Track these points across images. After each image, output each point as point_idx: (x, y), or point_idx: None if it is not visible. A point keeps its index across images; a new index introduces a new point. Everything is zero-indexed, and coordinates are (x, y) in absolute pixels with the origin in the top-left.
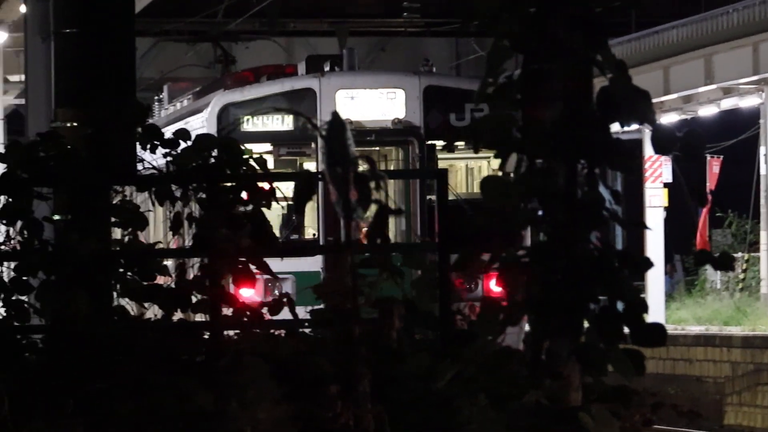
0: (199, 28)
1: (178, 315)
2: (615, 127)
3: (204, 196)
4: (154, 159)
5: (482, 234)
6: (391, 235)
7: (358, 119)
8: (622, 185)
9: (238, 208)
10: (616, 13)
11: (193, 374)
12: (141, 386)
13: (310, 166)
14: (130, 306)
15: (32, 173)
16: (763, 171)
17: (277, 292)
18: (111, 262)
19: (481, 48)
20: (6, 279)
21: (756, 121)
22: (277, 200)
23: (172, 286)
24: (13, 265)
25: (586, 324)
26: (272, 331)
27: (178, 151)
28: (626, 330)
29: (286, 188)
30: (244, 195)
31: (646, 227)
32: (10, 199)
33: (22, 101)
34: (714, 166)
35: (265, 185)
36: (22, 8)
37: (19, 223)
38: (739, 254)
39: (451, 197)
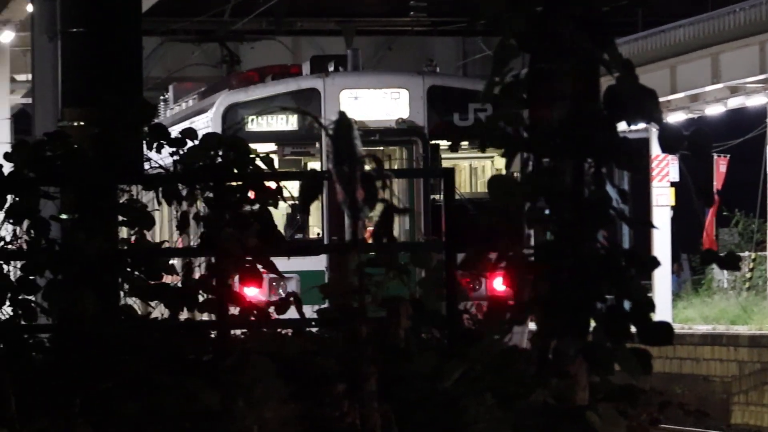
0: (205, 28)
1: (184, 314)
2: (622, 126)
3: (211, 195)
4: (160, 158)
5: (489, 233)
6: (395, 234)
7: (362, 119)
8: (629, 184)
9: (244, 208)
10: (623, 12)
11: (200, 373)
12: (147, 385)
13: (314, 165)
14: (136, 305)
15: (39, 172)
16: None
17: (281, 291)
18: (118, 262)
19: (488, 47)
20: (13, 278)
21: (763, 120)
22: (284, 199)
23: (179, 285)
24: (20, 264)
25: (593, 323)
26: (279, 330)
27: (185, 150)
28: (633, 329)
29: (291, 188)
30: (250, 194)
31: (653, 226)
32: (17, 199)
33: (29, 100)
34: (721, 165)
35: (272, 184)
36: (29, 8)
37: (26, 223)
38: (746, 253)
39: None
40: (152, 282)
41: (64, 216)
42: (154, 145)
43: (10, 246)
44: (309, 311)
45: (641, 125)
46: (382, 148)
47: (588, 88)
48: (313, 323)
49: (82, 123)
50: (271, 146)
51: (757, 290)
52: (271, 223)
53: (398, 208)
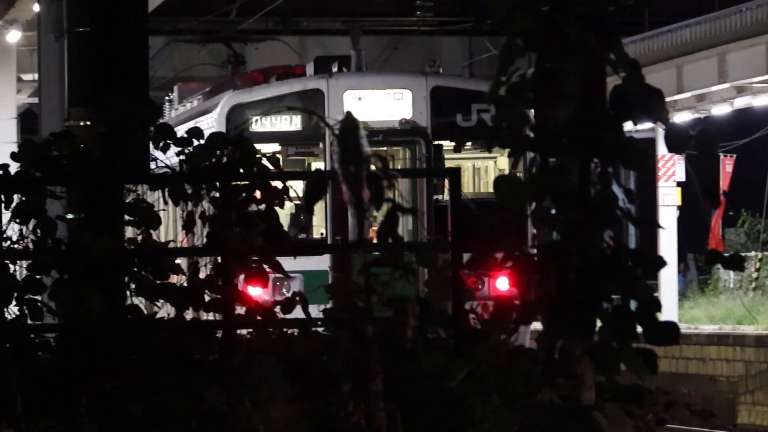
0: (212, 27)
1: (189, 314)
2: (628, 125)
3: (217, 194)
4: (167, 158)
5: (493, 233)
6: (399, 234)
7: (366, 120)
8: (636, 184)
9: (250, 207)
10: (630, 12)
11: (206, 373)
12: (153, 385)
13: (318, 166)
14: (142, 305)
15: (45, 172)
16: None
17: (285, 291)
18: (124, 261)
19: (494, 47)
20: (19, 278)
21: None
22: (290, 199)
23: (185, 285)
24: (26, 263)
25: (599, 323)
26: (285, 330)
27: (191, 150)
28: (639, 329)
29: (295, 188)
30: (256, 194)
31: (659, 226)
32: (24, 198)
33: (36, 100)
34: (727, 165)
35: (278, 184)
36: (36, 7)
37: (32, 222)
38: (752, 253)
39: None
40: (158, 282)
41: (70, 215)
42: (160, 144)
43: (16, 245)
44: (313, 311)
45: (647, 125)
46: (385, 148)
47: (594, 88)
48: (319, 323)
49: (88, 122)
50: (275, 147)
51: (764, 290)
52: (277, 222)
53: (404, 207)
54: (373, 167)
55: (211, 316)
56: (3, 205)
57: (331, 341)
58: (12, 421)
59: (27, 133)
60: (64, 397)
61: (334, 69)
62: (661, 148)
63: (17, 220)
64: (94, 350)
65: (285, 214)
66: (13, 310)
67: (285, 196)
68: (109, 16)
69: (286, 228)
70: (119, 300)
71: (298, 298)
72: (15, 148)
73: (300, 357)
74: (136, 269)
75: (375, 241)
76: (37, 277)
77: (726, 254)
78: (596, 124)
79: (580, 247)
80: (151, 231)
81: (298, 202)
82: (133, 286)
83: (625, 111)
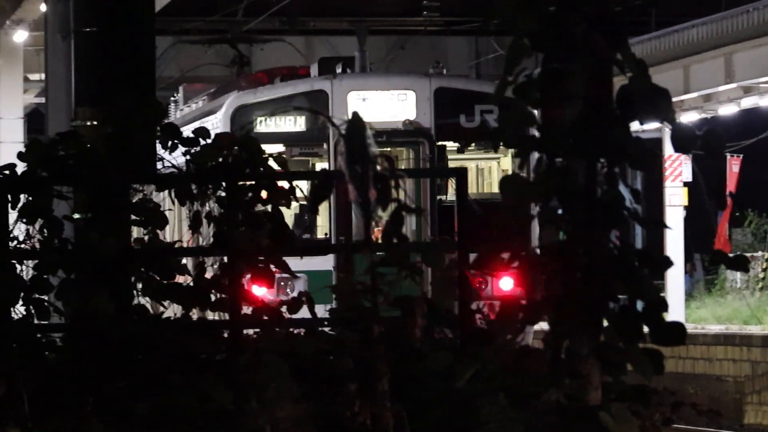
0: (218, 27)
1: (195, 314)
2: (635, 125)
3: (223, 194)
4: (173, 158)
5: (497, 233)
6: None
7: (370, 120)
8: (642, 184)
9: (256, 207)
10: (636, 12)
11: (213, 373)
12: (160, 385)
13: (322, 166)
14: (148, 305)
15: (52, 172)
16: None
17: (289, 290)
18: (131, 261)
19: (500, 47)
20: (26, 277)
21: None
22: (297, 199)
23: (191, 284)
24: (33, 263)
25: (605, 323)
26: (291, 330)
27: (197, 150)
28: (646, 329)
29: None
30: (262, 194)
31: (665, 226)
32: (31, 198)
33: (43, 100)
34: (734, 165)
35: (285, 184)
36: (43, 7)
37: (39, 222)
38: (759, 253)
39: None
40: (165, 282)
41: (77, 215)
42: (168, 144)
43: (23, 245)
44: (317, 311)
45: (654, 125)
46: (389, 149)
47: (601, 88)
48: (326, 323)
49: (95, 122)
50: (279, 147)
51: None
52: (283, 222)
53: (410, 207)
54: (379, 167)
55: (217, 316)
56: (10, 204)
57: (338, 341)
58: (19, 421)
59: (34, 133)
60: (71, 396)
61: (338, 70)
62: (668, 148)
63: (24, 220)
64: (101, 350)
65: (289, 214)
66: (19, 310)
67: (291, 196)
68: (115, 16)
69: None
70: (126, 300)
71: (304, 298)
72: (22, 148)
73: (306, 357)
74: (142, 269)
75: (379, 240)
76: (44, 276)
77: (731, 255)
78: (603, 124)
79: (586, 247)
80: (158, 231)
81: (303, 202)
82: (139, 286)
83: (631, 111)
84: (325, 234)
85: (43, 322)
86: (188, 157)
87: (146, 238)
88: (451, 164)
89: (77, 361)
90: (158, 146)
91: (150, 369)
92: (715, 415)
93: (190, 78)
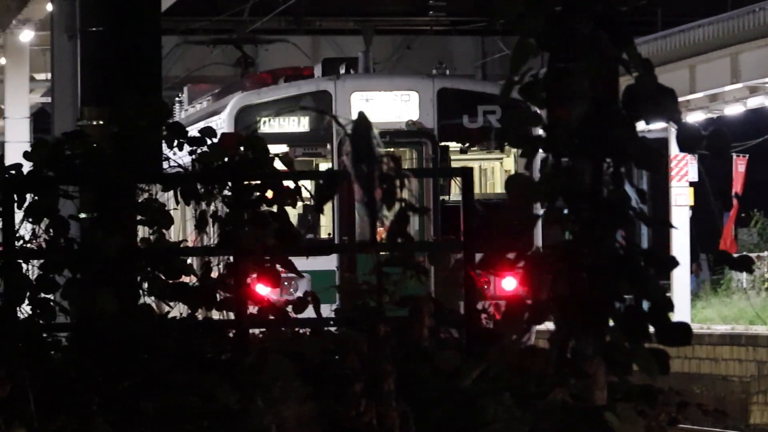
0: (224, 27)
1: (200, 314)
2: (641, 125)
3: (229, 194)
4: (179, 158)
5: (505, 233)
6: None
7: (373, 121)
8: (648, 184)
9: (262, 207)
10: (642, 12)
11: (218, 373)
12: (166, 384)
13: (325, 166)
14: (154, 304)
15: (58, 171)
16: None
17: (293, 290)
18: (136, 261)
19: (507, 46)
20: (32, 277)
21: None
22: (302, 199)
23: (196, 284)
24: (39, 263)
25: (611, 323)
26: (297, 329)
27: (203, 150)
28: (651, 329)
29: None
30: (268, 194)
31: (671, 226)
32: (36, 198)
33: (49, 99)
34: (740, 165)
35: (290, 184)
36: (49, 7)
37: (45, 222)
38: (765, 253)
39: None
40: (171, 281)
41: (82, 215)
42: (175, 144)
43: (29, 245)
44: (330, 311)
45: (660, 125)
46: (392, 149)
47: (607, 88)
48: (332, 323)
49: (101, 122)
50: (282, 148)
51: None
52: (289, 222)
53: (415, 207)
54: (385, 167)
55: (223, 316)
56: (16, 204)
57: (343, 341)
58: (25, 420)
59: (40, 133)
60: (77, 396)
61: (342, 71)
62: (674, 148)
63: (30, 220)
64: (107, 350)
65: (293, 214)
66: (25, 310)
67: (297, 196)
68: (122, 16)
69: None
70: (131, 299)
71: (310, 298)
72: (28, 148)
73: (312, 357)
74: (148, 269)
75: (383, 240)
76: (50, 276)
77: (736, 255)
78: (609, 124)
79: (592, 247)
80: (164, 230)
81: (307, 202)
82: (145, 285)
83: (637, 111)
84: (329, 234)
85: (48, 322)
86: (194, 156)
87: (152, 237)
88: (454, 165)
89: (83, 361)
90: (164, 146)
91: (155, 369)
92: (721, 415)
93: (195, 78)
